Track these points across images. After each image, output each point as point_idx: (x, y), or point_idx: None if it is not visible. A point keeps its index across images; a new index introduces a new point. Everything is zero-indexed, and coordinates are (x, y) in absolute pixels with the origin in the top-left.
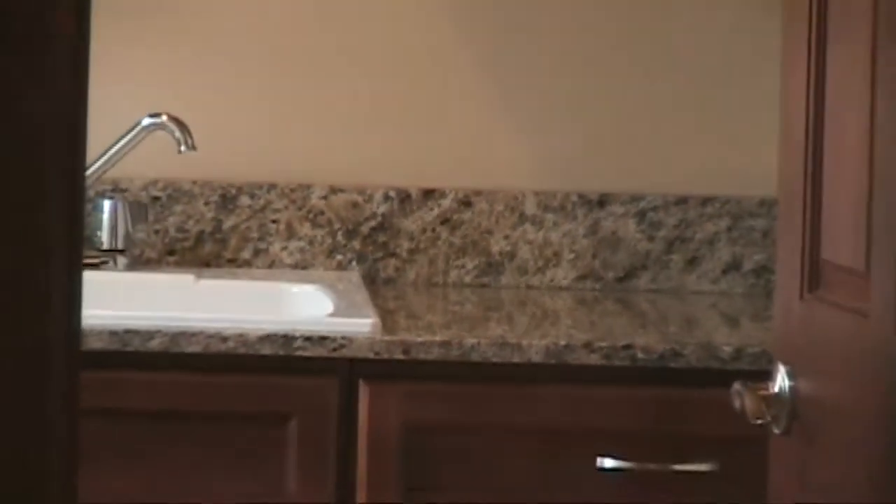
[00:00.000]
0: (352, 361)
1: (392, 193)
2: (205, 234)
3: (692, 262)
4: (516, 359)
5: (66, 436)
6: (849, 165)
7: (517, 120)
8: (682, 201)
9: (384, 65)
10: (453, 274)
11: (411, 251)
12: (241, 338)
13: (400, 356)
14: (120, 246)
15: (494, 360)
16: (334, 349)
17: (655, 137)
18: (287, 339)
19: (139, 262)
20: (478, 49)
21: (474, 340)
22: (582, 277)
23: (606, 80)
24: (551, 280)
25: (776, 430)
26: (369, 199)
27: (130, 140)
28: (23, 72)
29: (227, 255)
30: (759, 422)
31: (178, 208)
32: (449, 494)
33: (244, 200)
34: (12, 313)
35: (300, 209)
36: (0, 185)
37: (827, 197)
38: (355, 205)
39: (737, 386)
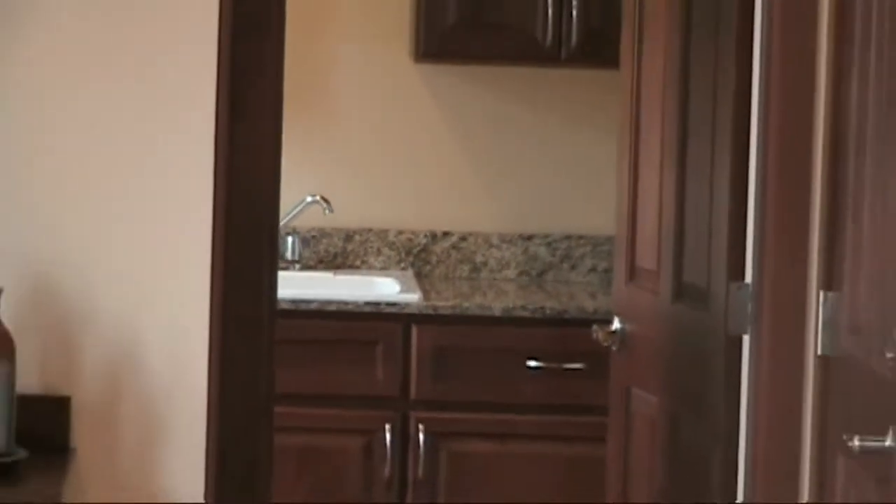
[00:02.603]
0: (409, 315)
1: (427, 234)
2: (337, 254)
3: (573, 267)
4: (488, 313)
5: (268, 351)
6: (650, 217)
7: (489, 196)
8: (568, 237)
9: (426, 168)
10: (457, 273)
11: (437, 262)
12: (356, 303)
13: (431, 312)
14: (296, 258)
15: (478, 314)
16: (400, 308)
17: (556, 206)
18: (378, 304)
19: (305, 267)
20: (475, 166)
21: (468, 304)
22: (520, 274)
23: (530, 173)
24: (505, 276)
25: (614, 349)
26: (417, 236)
27: (301, 209)
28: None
29: (348, 263)
30: (606, 344)
31: (324, 240)
32: (455, 380)
33: (356, 237)
34: (246, 292)
35: (384, 241)
36: (238, 233)
37: (639, 234)
38: (410, 239)
39: (595, 326)
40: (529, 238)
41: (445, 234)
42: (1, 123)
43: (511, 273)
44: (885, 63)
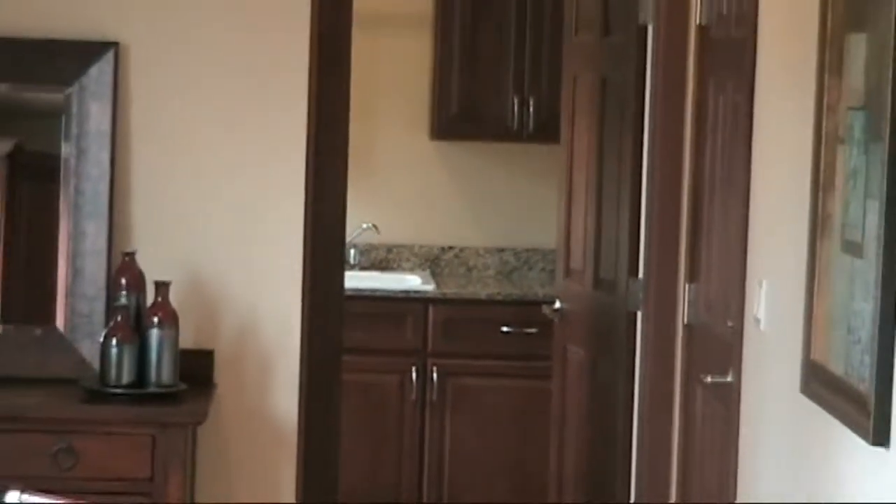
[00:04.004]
0: (427, 298)
1: (438, 248)
2: (382, 260)
3: (530, 269)
4: (477, 298)
5: (338, 321)
6: (579, 236)
7: (478, 224)
8: (527, 250)
9: (437, 206)
10: (458, 272)
11: (445, 265)
12: (394, 292)
13: (441, 297)
14: (356, 263)
15: (471, 298)
16: (422, 295)
17: (519, 229)
18: (407, 292)
19: (361, 269)
20: (469, 204)
21: (465, 292)
22: (496, 273)
23: (504, 209)
24: (488, 275)
25: (556, 320)
26: (432, 249)
27: (359, 234)
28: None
29: (389, 266)
30: (551, 318)
31: (373, 252)
32: (457, 339)
33: (394, 250)
34: (324, 283)
35: (411, 252)
36: (320, 247)
37: (572, 246)
38: (428, 252)
39: (544, 306)
40: (502, 251)
41: (450, 247)
42: (166, 167)
43: (491, 272)
44: (725, 138)
